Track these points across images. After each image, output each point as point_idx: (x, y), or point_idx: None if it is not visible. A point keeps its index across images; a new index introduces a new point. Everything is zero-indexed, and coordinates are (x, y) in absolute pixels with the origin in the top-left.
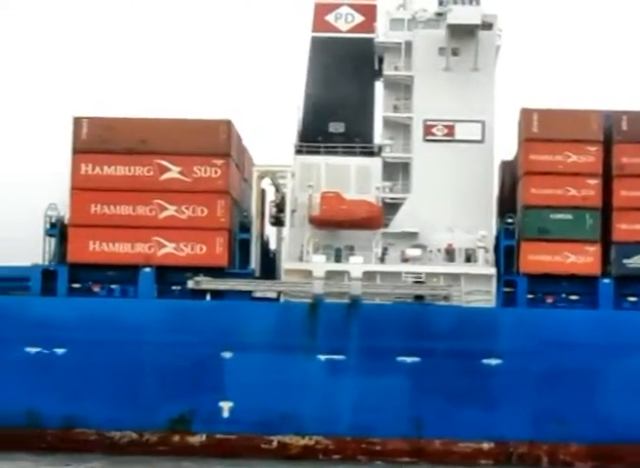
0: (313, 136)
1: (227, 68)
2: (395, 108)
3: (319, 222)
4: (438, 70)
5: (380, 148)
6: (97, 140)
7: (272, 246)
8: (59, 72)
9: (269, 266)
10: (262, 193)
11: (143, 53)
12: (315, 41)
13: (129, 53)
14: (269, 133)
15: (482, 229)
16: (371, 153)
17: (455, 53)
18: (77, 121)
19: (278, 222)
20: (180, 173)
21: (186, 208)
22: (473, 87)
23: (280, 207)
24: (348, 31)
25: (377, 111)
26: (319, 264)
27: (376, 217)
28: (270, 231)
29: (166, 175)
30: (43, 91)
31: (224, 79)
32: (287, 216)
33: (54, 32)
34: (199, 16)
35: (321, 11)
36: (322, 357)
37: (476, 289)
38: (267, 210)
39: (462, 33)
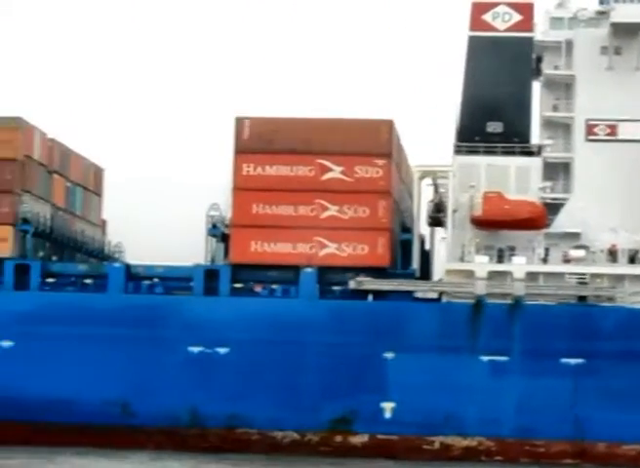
0: (471, 136)
1: (387, 68)
2: (555, 108)
3: (481, 223)
4: (600, 69)
5: (540, 148)
6: (258, 140)
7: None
8: (221, 73)
9: (424, 266)
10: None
11: (301, 53)
12: (473, 40)
13: (285, 53)
14: (421, 132)
15: None
16: (530, 153)
17: (617, 51)
18: (239, 121)
19: (436, 222)
20: (342, 173)
21: (348, 208)
22: (637, 86)
23: (439, 207)
24: (506, 30)
25: (534, 110)
26: (482, 265)
27: (539, 218)
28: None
29: (328, 175)
30: (206, 91)
31: (384, 78)
32: (448, 217)
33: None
34: (358, 16)
35: (478, 10)
36: (484, 358)
37: None
38: (424, 210)
39: (626, 32)
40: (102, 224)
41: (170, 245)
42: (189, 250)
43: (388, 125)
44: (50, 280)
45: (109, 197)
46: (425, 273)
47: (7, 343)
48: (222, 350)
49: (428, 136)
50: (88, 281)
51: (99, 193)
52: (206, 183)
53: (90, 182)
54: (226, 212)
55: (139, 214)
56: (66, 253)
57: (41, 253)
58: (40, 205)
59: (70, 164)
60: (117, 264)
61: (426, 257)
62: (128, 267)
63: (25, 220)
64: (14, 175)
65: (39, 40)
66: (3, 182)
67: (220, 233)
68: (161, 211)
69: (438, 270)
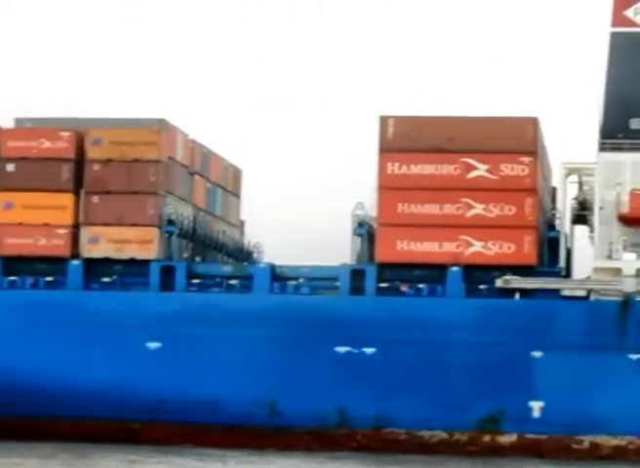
0: (614, 133)
1: (527, 64)
2: None
3: (629, 220)
4: None
5: None
6: (403, 139)
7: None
8: (363, 71)
9: (566, 264)
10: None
11: (441, 50)
12: (615, 36)
13: (426, 50)
14: (561, 128)
15: None
16: None
17: None
18: (383, 120)
19: (579, 220)
20: (487, 171)
21: (494, 206)
22: None
23: (583, 204)
24: None
25: None
26: (630, 262)
27: None
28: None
29: (473, 174)
30: (350, 89)
31: (525, 75)
32: (595, 215)
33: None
34: (496, 12)
35: (620, 5)
36: (633, 356)
37: None
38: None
39: None
40: (241, 225)
41: (320, 244)
42: (331, 250)
43: (533, 122)
44: (195, 281)
45: (247, 198)
46: (567, 271)
47: (154, 345)
48: (369, 350)
49: (567, 132)
50: (233, 282)
51: (237, 194)
52: (350, 183)
53: (229, 183)
54: (372, 211)
55: (278, 215)
56: (208, 253)
57: (185, 255)
58: (182, 206)
59: (210, 165)
60: (262, 265)
61: (568, 255)
62: (273, 268)
63: (170, 222)
64: (158, 177)
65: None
66: (148, 184)
67: (365, 232)
68: (302, 211)
69: (579, 268)
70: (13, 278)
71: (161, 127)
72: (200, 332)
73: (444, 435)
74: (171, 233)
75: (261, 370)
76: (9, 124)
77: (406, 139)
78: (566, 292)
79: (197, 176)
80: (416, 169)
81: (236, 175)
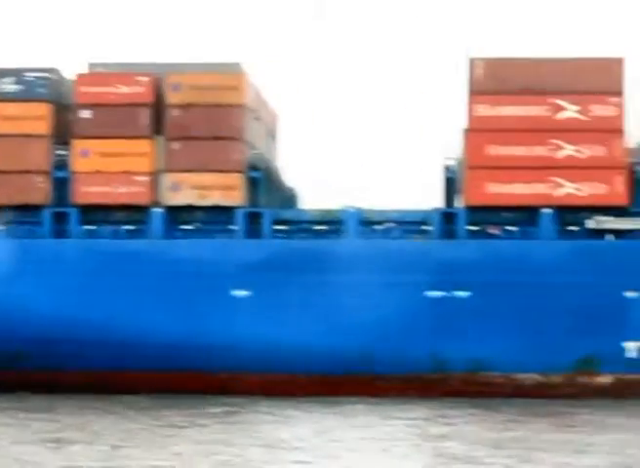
0: None
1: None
2: None
3: None
4: None
5: None
6: (492, 81)
7: None
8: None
9: None
10: None
11: None
12: None
13: None
14: None
15: None
16: None
17: None
18: (473, 62)
19: None
20: (578, 112)
21: (584, 147)
22: None
23: None
24: None
25: None
26: None
27: None
28: None
29: (563, 115)
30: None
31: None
32: None
33: None
34: None
35: None
36: None
37: None
38: None
39: None
40: None
41: (402, 189)
42: (421, 193)
43: (618, 63)
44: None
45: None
46: None
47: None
48: (463, 294)
49: None
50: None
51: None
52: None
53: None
54: (460, 153)
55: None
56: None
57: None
58: None
59: (263, 110)
60: (351, 209)
61: None
62: (361, 212)
63: (254, 167)
64: (241, 122)
65: None
66: (232, 129)
67: (454, 175)
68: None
69: None
70: (91, 227)
71: (238, 71)
72: (289, 280)
73: (539, 378)
74: (256, 179)
75: (353, 318)
76: (82, 69)
77: (496, 81)
78: None
79: (259, 122)
80: (505, 110)
81: (274, 118)
